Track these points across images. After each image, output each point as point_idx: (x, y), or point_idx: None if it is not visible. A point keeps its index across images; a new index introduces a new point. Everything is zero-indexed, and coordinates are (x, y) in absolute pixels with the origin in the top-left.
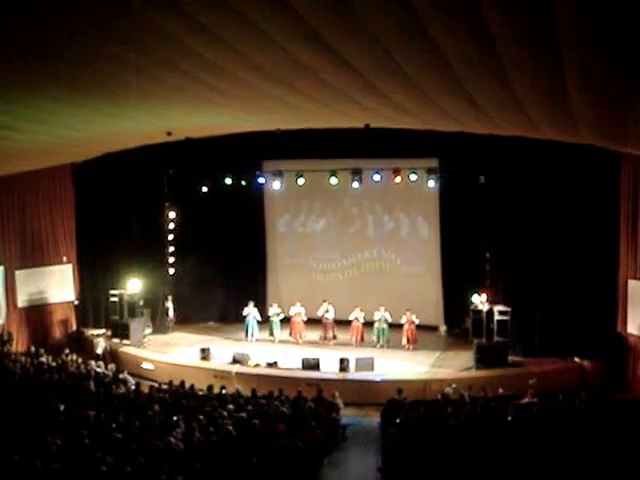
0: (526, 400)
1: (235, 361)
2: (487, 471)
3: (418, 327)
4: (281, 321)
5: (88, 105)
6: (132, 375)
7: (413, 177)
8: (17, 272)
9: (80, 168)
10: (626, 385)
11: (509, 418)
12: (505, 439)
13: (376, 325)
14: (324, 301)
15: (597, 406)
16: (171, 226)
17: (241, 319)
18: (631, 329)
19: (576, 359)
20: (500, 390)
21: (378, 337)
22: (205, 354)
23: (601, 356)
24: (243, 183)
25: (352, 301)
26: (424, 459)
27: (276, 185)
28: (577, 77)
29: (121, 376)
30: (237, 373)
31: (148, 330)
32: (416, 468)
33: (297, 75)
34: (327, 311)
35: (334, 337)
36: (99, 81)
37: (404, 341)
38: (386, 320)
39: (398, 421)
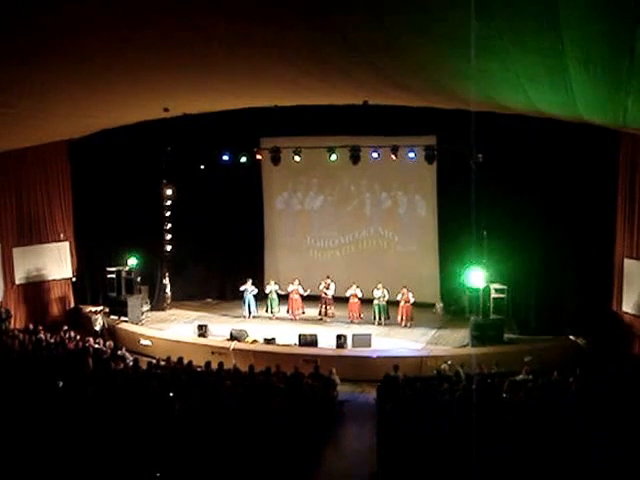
0: (521, 377)
1: (233, 337)
2: (481, 447)
3: (415, 304)
4: (279, 298)
5: None
6: (130, 352)
7: (411, 155)
8: (14, 249)
9: (77, 145)
10: (620, 363)
11: (504, 395)
12: (500, 416)
13: (375, 302)
14: (327, 277)
15: (591, 383)
16: (168, 203)
17: (239, 296)
18: (626, 308)
19: (571, 337)
20: (495, 367)
21: (377, 314)
22: (203, 331)
23: (596, 334)
24: (243, 160)
25: (349, 278)
26: (420, 435)
27: (274, 162)
28: (577, 56)
29: (119, 353)
30: (235, 349)
31: (146, 307)
32: (412, 444)
33: (295, 50)
34: (328, 287)
35: (326, 314)
36: None
37: (399, 318)
38: (385, 297)
39: (394, 397)
